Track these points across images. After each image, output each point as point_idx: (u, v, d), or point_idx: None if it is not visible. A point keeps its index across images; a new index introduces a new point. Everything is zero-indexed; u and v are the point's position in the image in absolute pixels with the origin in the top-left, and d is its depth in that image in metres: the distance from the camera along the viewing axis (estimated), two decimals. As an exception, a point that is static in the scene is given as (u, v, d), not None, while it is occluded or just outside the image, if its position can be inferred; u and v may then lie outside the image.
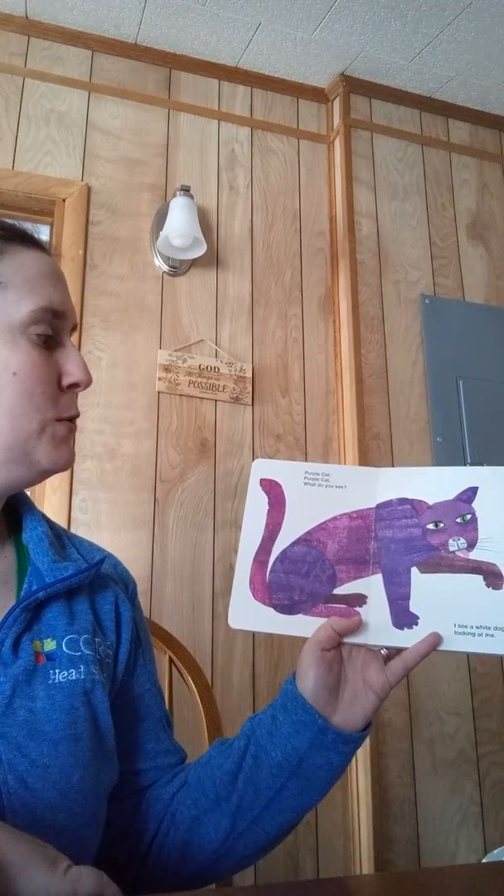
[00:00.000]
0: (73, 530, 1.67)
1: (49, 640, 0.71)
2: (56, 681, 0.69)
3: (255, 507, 0.78)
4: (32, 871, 0.47)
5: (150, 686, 0.83)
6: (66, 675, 0.70)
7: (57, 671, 0.70)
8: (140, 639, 0.83)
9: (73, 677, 0.70)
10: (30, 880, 0.47)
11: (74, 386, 0.73)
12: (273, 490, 0.79)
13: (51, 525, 0.80)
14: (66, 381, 0.72)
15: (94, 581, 0.78)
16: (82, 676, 0.71)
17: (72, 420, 0.73)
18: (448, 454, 2.15)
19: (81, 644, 0.73)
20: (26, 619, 0.70)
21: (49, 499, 1.81)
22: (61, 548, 0.78)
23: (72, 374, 0.72)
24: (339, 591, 0.74)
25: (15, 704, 0.66)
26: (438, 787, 1.92)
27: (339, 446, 2.12)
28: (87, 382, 0.73)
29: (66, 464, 0.72)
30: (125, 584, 0.85)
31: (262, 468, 0.80)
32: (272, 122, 2.36)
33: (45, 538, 0.76)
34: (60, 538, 0.80)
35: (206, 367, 2.04)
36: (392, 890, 0.58)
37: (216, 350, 2.08)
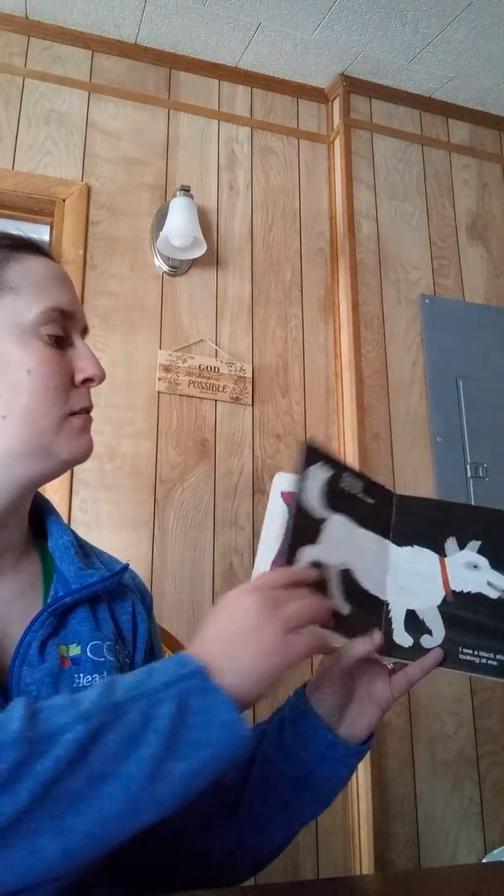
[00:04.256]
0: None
1: (74, 645, 0.73)
2: (81, 685, 0.70)
3: (276, 517, 0.77)
4: None
5: None
6: (90, 679, 0.71)
7: (82, 675, 0.71)
8: (154, 651, 0.84)
9: (97, 682, 0.71)
10: None
11: (89, 381, 0.75)
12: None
13: (74, 535, 0.82)
14: (79, 377, 0.74)
15: (114, 590, 0.80)
16: None
17: (87, 412, 0.75)
18: (448, 454, 2.15)
19: (105, 651, 0.74)
20: (53, 624, 0.72)
21: (49, 499, 1.80)
22: (85, 556, 0.80)
23: (85, 369, 0.74)
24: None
25: None
26: (438, 787, 1.92)
27: (340, 446, 2.12)
28: (101, 377, 0.75)
29: (86, 454, 0.74)
30: (142, 595, 0.86)
31: (284, 482, 0.79)
32: (272, 122, 2.35)
33: (70, 546, 0.78)
34: (84, 548, 0.82)
35: (206, 367, 2.04)
36: (392, 890, 0.58)
37: (216, 350, 2.08)
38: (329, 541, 0.73)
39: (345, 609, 0.72)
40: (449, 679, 2.00)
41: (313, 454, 0.76)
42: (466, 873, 0.67)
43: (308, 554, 0.72)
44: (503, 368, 2.30)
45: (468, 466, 2.16)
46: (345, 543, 0.74)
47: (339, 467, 0.77)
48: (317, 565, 0.72)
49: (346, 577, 0.74)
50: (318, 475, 0.76)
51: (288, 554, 0.73)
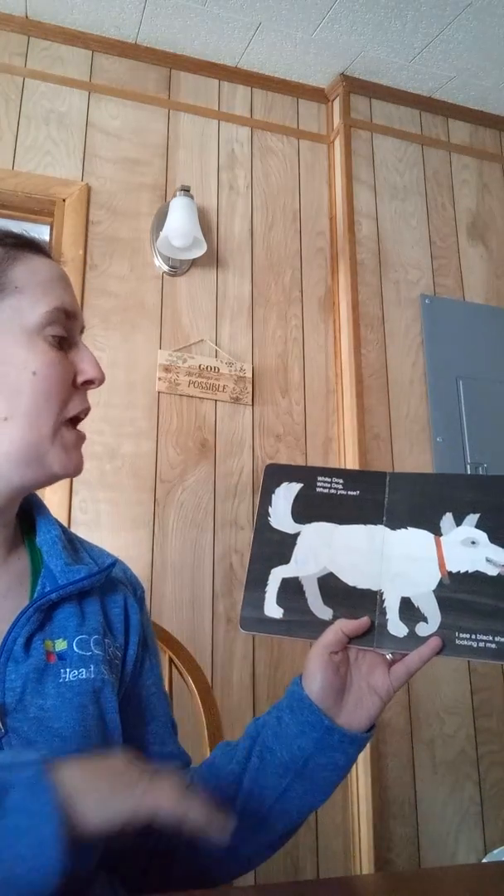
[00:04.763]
0: (73, 530, 1.67)
1: (60, 639, 0.72)
2: (66, 679, 0.70)
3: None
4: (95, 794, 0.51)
5: (157, 689, 0.84)
6: (76, 674, 0.71)
7: (67, 670, 0.71)
8: (147, 642, 0.84)
9: (84, 676, 0.71)
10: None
11: (89, 383, 0.75)
12: None
13: (63, 529, 0.82)
14: (81, 379, 0.75)
15: (104, 584, 0.80)
16: (92, 676, 0.72)
17: (85, 414, 0.76)
18: (448, 454, 2.15)
19: (92, 644, 0.74)
20: (38, 620, 0.71)
21: (49, 499, 1.80)
22: (74, 552, 0.80)
23: (86, 371, 0.75)
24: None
25: (26, 701, 0.67)
26: (438, 787, 1.92)
27: (339, 446, 2.12)
28: (101, 379, 0.76)
29: (77, 469, 0.75)
30: (134, 588, 0.86)
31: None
32: (272, 122, 2.35)
33: (58, 542, 0.78)
34: (73, 542, 0.82)
35: (206, 367, 2.04)
36: (392, 890, 0.58)
37: (216, 350, 2.08)
38: (303, 553, 0.76)
39: (326, 615, 0.73)
40: (449, 679, 2.00)
41: (277, 475, 0.79)
42: (466, 873, 0.67)
43: (280, 573, 0.75)
44: (503, 368, 2.30)
45: (468, 466, 2.16)
46: (323, 549, 0.76)
47: (310, 475, 0.79)
48: (289, 582, 0.74)
49: (329, 580, 0.75)
50: (287, 492, 0.78)
51: (260, 577, 0.75)
